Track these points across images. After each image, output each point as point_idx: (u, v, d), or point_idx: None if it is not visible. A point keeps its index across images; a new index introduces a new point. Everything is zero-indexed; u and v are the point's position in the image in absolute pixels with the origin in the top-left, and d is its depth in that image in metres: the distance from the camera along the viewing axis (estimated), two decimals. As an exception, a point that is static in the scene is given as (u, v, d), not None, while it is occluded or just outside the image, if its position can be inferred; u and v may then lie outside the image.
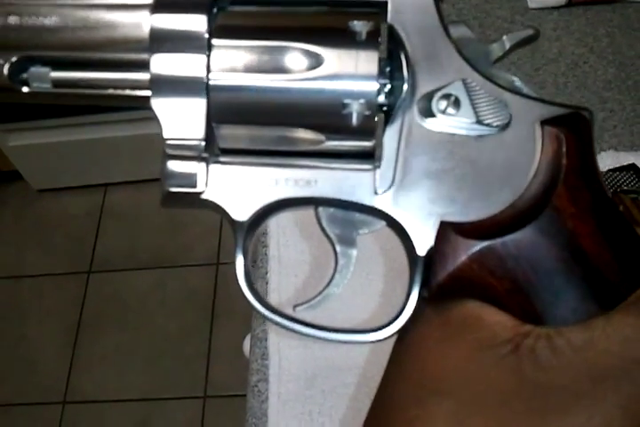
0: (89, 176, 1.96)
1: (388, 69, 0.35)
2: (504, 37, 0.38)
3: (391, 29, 0.36)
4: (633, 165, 0.70)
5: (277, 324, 0.37)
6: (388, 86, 0.35)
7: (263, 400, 0.66)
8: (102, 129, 1.80)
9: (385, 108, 0.35)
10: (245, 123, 0.36)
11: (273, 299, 0.69)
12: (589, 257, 0.34)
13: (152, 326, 1.77)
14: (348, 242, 0.39)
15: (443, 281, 0.35)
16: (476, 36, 0.37)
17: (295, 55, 0.35)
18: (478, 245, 0.34)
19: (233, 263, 0.38)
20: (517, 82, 0.37)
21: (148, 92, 0.36)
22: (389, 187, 0.36)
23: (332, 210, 0.38)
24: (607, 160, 0.73)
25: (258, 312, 0.37)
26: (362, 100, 0.34)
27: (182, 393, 1.68)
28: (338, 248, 0.39)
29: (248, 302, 0.37)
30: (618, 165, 0.71)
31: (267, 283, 0.71)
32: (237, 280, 0.37)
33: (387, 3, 0.36)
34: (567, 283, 0.34)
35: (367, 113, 0.35)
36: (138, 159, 1.83)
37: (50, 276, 1.88)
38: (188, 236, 1.82)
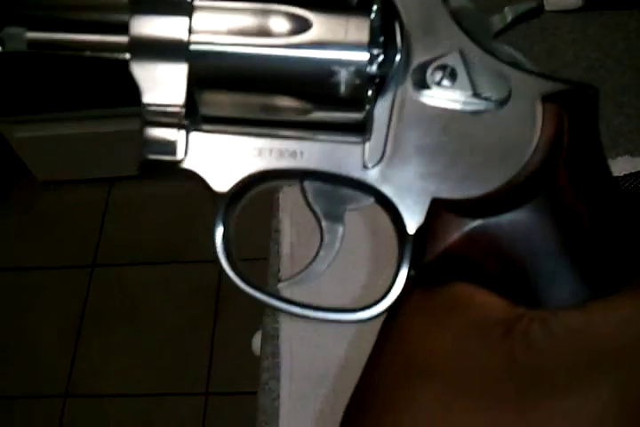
0: (95, 170, 1.96)
1: (380, 38, 0.33)
2: (505, 9, 0.36)
3: None
4: (649, 171, 0.70)
5: (259, 300, 0.36)
6: (381, 56, 0.33)
7: (274, 398, 0.65)
8: (108, 123, 1.80)
9: (377, 79, 0.34)
10: (228, 89, 0.34)
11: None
12: (589, 238, 0.33)
13: (156, 321, 1.77)
14: (335, 218, 0.37)
15: (433, 260, 0.34)
16: (475, 8, 0.35)
17: (281, 19, 0.33)
18: (471, 224, 0.33)
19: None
20: (519, 56, 0.35)
21: (127, 56, 0.35)
22: (379, 161, 0.34)
23: (318, 184, 0.36)
24: (623, 165, 0.73)
25: (236, 286, 0.36)
26: (352, 69, 0.33)
27: (185, 389, 1.68)
28: (324, 224, 0.37)
29: (227, 275, 0.36)
30: (634, 170, 0.71)
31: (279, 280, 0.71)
32: (216, 252, 0.36)
33: None
34: (565, 265, 0.33)
35: (357, 82, 0.33)
36: (144, 154, 1.83)
37: (53, 269, 1.88)
38: (192, 231, 1.82)
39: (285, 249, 0.72)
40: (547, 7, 0.92)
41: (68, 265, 1.88)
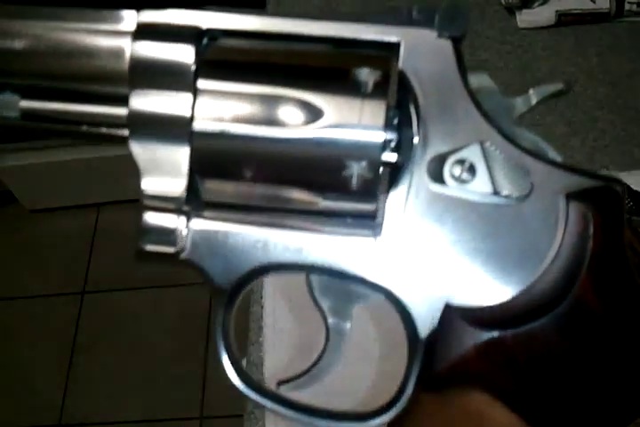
0: (82, 196, 1.95)
1: (395, 124, 0.31)
2: (530, 91, 0.33)
3: (402, 76, 0.31)
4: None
5: (265, 406, 0.34)
6: (395, 144, 0.31)
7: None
8: (95, 149, 1.80)
9: (390, 168, 0.31)
10: (232, 178, 0.32)
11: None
12: (613, 360, 0.30)
13: (147, 347, 1.75)
14: (342, 315, 0.35)
15: (444, 370, 0.31)
16: (498, 88, 0.33)
17: (291, 107, 0.30)
18: (486, 336, 0.31)
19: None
20: (542, 143, 0.33)
21: (125, 132, 0.33)
22: (390, 257, 0.32)
23: (325, 278, 0.34)
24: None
25: (237, 388, 0.34)
26: (364, 163, 0.30)
27: (179, 414, 1.67)
28: (330, 321, 0.35)
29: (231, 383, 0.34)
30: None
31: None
32: (219, 353, 0.34)
33: (399, 45, 0.32)
34: (586, 389, 0.30)
35: (369, 176, 0.30)
36: (131, 179, 1.83)
37: (43, 297, 1.86)
38: (182, 255, 1.82)
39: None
40: (520, 24, 0.93)
41: (58, 293, 1.87)
